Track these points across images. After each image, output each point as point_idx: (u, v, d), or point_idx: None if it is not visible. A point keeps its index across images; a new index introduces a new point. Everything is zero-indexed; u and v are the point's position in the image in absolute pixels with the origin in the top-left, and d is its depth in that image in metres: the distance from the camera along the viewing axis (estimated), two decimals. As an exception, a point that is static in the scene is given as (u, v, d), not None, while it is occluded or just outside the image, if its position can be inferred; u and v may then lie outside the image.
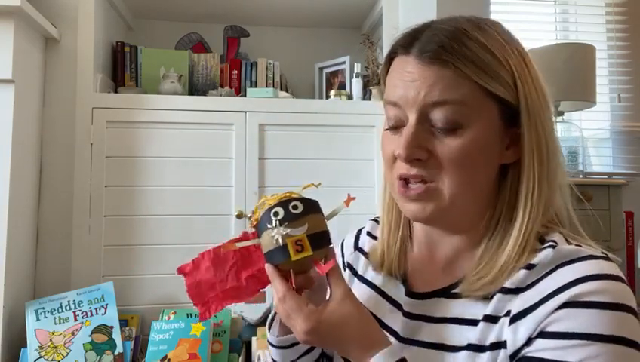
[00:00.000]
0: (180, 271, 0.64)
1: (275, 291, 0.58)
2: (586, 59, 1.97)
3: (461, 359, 0.55)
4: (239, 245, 0.62)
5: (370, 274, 0.72)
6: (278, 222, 0.57)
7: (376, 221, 0.78)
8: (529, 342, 0.50)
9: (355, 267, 0.76)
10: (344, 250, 0.80)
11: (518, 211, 0.57)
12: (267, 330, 0.72)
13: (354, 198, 0.63)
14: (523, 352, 0.51)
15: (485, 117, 0.56)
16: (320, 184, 0.67)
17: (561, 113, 2.08)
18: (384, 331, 0.61)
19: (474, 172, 0.57)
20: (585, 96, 1.98)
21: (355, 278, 0.75)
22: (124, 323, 1.41)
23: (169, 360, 1.30)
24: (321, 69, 2.01)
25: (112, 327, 1.35)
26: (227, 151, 1.57)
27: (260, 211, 0.60)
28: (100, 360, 1.30)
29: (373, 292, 0.70)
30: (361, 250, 0.77)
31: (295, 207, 0.58)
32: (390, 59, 0.62)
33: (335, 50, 2.03)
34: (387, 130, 0.62)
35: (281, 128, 1.60)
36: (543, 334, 0.49)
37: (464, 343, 0.56)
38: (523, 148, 0.57)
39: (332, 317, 0.55)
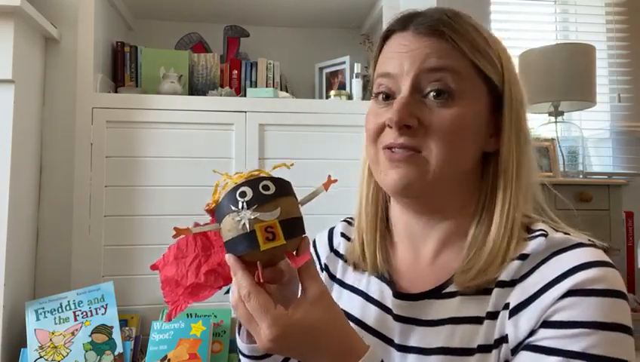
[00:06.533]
0: (154, 267, 0.56)
1: (237, 287, 0.49)
2: (586, 59, 1.97)
3: None
4: (195, 230, 0.51)
5: (351, 278, 0.67)
6: (245, 203, 0.47)
7: (348, 222, 0.74)
8: (532, 333, 0.50)
9: (332, 270, 0.70)
10: (319, 250, 0.74)
11: (498, 196, 0.58)
12: (237, 335, 0.61)
13: (335, 181, 0.55)
14: (526, 342, 0.50)
15: (476, 94, 0.57)
16: (292, 164, 0.57)
17: (561, 113, 2.08)
18: (377, 339, 0.59)
19: (461, 146, 0.57)
20: (585, 96, 1.98)
21: (335, 283, 0.69)
22: (124, 323, 1.41)
23: (169, 360, 1.30)
24: (321, 69, 2.01)
25: (112, 327, 1.35)
26: (227, 151, 1.57)
27: (222, 192, 0.50)
28: (99, 360, 1.30)
29: (357, 297, 0.65)
30: (336, 252, 0.71)
31: (266, 188, 0.48)
32: (385, 38, 0.62)
33: (335, 50, 2.03)
34: (375, 104, 0.61)
35: (281, 128, 1.60)
36: (547, 324, 0.49)
37: (473, 345, 0.53)
38: (503, 135, 0.58)
39: (304, 321, 0.47)
